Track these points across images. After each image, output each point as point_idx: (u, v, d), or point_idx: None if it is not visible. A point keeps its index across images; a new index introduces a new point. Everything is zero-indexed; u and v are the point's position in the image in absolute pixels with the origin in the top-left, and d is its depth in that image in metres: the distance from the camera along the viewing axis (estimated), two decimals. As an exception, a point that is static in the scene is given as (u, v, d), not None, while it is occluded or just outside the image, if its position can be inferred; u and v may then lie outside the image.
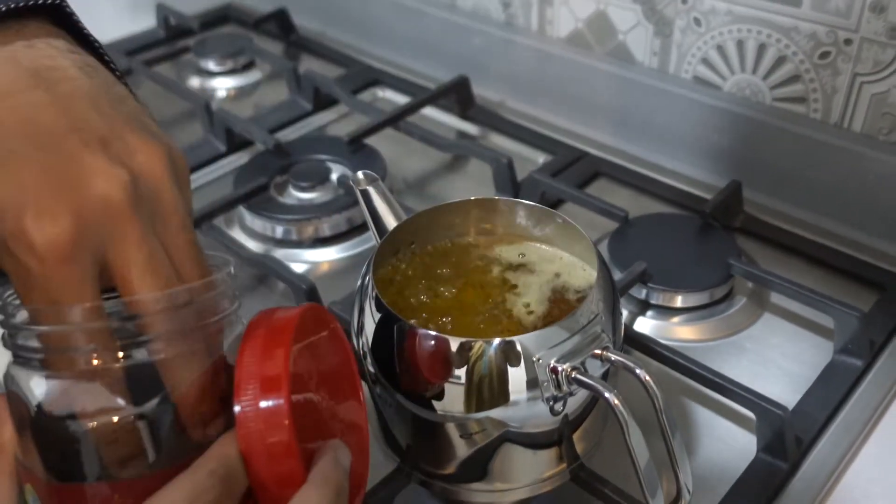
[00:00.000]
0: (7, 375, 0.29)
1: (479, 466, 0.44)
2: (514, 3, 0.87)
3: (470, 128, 0.86)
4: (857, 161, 0.66)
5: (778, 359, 0.58)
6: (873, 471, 0.50)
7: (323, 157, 0.77)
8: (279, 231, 0.71)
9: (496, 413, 0.41)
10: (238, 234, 0.72)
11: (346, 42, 1.03)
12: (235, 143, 0.83)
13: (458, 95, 0.85)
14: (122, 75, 0.35)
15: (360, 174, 0.51)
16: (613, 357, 0.40)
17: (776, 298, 0.62)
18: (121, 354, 0.28)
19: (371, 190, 0.50)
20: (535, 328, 0.44)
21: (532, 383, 0.40)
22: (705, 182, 0.74)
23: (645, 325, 0.61)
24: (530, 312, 0.45)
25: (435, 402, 0.41)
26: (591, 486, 0.46)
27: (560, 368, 0.39)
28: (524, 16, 0.87)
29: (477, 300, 0.46)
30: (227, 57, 0.98)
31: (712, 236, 0.65)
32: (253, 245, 0.70)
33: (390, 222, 0.49)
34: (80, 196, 0.27)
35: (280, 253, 0.69)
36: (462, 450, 0.43)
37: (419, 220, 0.48)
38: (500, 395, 0.40)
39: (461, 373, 0.40)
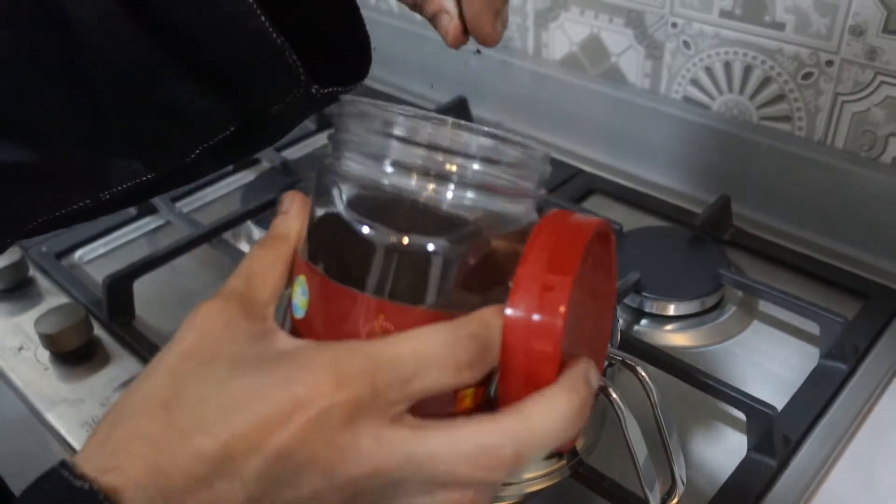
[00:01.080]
0: (324, 169, 0.31)
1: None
2: (510, 26, 0.90)
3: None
4: (840, 176, 0.69)
5: (766, 364, 0.60)
6: (858, 469, 0.53)
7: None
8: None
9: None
10: (246, 249, 0.74)
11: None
12: (243, 161, 0.85)
13: (456, 115, 0.88)
14: None
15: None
16: (613, 355, 0.43)
17: (764, 307, 0.65)
18: (436, 188, 0.29)
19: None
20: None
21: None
22: (696, 197, 0.77)
23: (639, 332, 0.63)
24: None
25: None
26: (590, 481, 0.49)
27: (561, 365, 0.42)
28: (521, 39, 0.90)
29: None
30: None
31: (703, 248, 0.68)
32: (260, 258, 0.73)
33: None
34: None
35: (287, 265, 0.72)
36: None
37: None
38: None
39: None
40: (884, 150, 0.68)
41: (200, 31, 0.37)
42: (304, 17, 0.38)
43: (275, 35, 0.36)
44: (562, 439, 0.28)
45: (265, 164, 0.83)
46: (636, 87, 0.83)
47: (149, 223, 0.79)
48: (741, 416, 0.54)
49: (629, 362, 0.42)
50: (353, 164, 0.30)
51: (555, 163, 0.83)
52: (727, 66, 0.75)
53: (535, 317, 0.28)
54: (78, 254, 0.75)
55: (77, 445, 0.56)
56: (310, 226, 0.32)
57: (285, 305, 0.32)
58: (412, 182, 0.29)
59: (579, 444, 0.48)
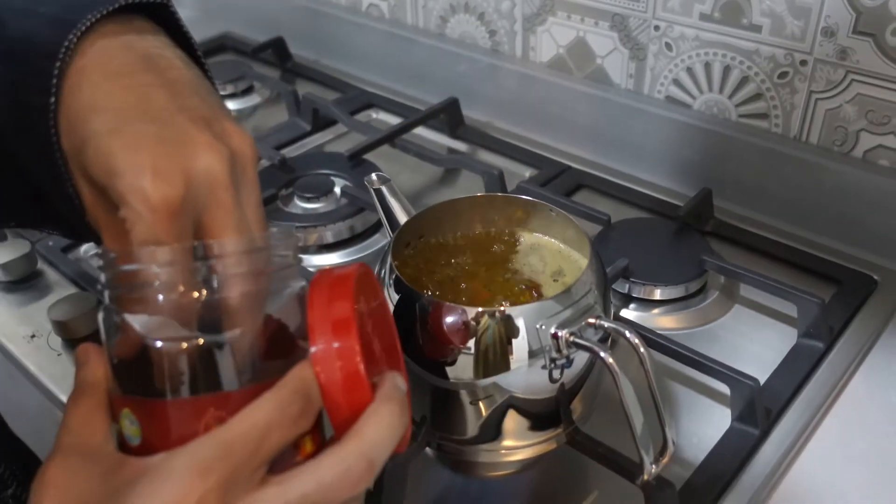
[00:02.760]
0: (106, 312, 0.34)
1: (484, 430, 0.49)
2: (499, 31, 0.94)
3: (460, 145, 0.92)
4: (814, 170, 0.73)
5: (748, 344, 0.64)
6: (835, 438, 0.56)
7: (325, 171, 0.83)
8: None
9: (501, 379, 0.46)
10: (248, 241, 0.77)
11: (339, 69, 1.09)
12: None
13: (448, 116, 0.92)
14: (209, 72, 0.40)
15: (374, 175, 0.56)
16: (606, 324, 0.46)
17: (745, 291, 0.68)
18: (203, 290, 0.32)
19: (384, 189, 0.56)
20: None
21: (533, 352, 0.46)
22: (678, 191, 0.81)
23: (628, 316, 0.66)
24: (531, 290, 0.50)
25: (448, 370, 0.46)
26: (585, 447, 0.52)
27: (560, 334, 0.45)
28: (509, 43, 0.94)
29: (483, 282, 0.51)
30: (226, 82, 1.03)
31: (686, 237, 0.72)
32: (263, 250, 0.75)
33: (401, 218, 0.55)
34: (189, 164, 0.32)
35: (289, 257, 0.74)
36: (470, 415, 0.49)
37: (428, 215, 0.54)
38: (504, 362, 0.46)
39: (471, 342, 0.46)
40: (855, 145, 0.72)
41: None
42: None
43: None
44: (396, 439, 0.33)
45: (264, 162, 0.86)
46: (621, 87, 0.86)
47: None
48: (725, 390, 0.57)
49: (620, 329, 0.45)
50: (129, 294, 0.32)
51: (544, 160, 0.87)
52: (707, 66, 0.79)
53: (335, 345, 0.33)
54: (83, 248, 0.77)
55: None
56: (112, 364, 0.34)
57: (116, 445, 0.34)
58: (180, 297, 0.32)
59: (576, 414, 0.51)
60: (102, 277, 0.33)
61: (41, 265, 0.74)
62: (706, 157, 0.80)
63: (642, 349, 0.44)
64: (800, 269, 0.70)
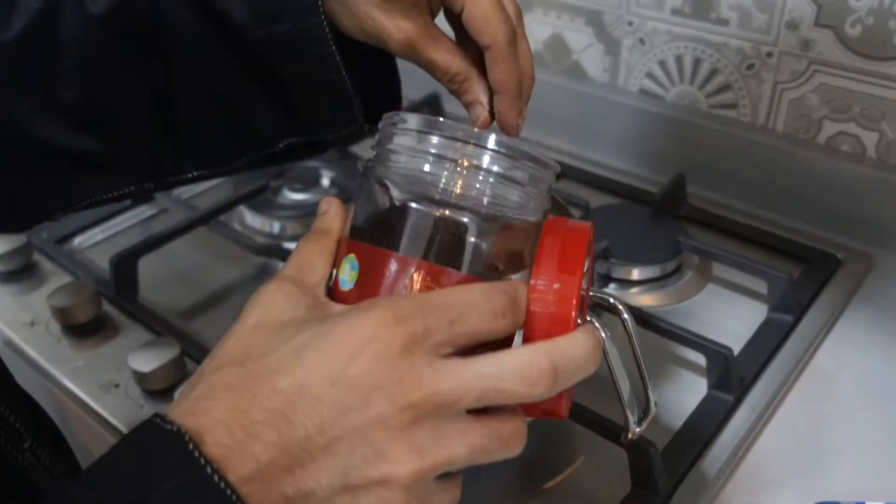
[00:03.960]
0: (369, 167, 0.37)
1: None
2: (478, 28, 0.97)
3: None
4: (781, 156, 0.77)
5: (721, 319, 0.67)
6: (804, 403, 0.60)
7: (313, 163, 0.85)
8: (276, 227, 0.78)
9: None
10: (239, 229, 0.79)
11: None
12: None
13: (429, 110, 0.95)
14: None
15: (367, 160, 0.59)
16: (591, 293, 0.49)
17: (718, 270, 0.72)
18: (468, 177, 0.34)
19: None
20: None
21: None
22: (653, 179, 0.84)
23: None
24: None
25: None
26: (571, 412, 0.54)
27: (548, 302, 0.48)
28: (488, 40, 0.97)
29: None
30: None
31: (662, 221, 0.75)
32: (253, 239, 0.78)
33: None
34: None
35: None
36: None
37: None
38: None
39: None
40: (818, 132, 0.76)
41: (291, 74, 0.45)
42: (360, 70, 0.46)
43: (350, 88, 0.45)
44: (586, 365, 0.34)
45: (253, 156, 0.88)
46: (596, 81, 0.90)
47: (144, 211, 0.83)
48: (701, 361, 0.61)
49: (604, 296, 0.48)
50: (397, 160, 0.35)
51: (524, 151, 0.90)
52: (679, 59, 0.82)
53: (555, 281, 0.34)
54: (77, 240, 0.79)
55: (94, 405, 0.60)
56: (355, 216, 0.37)
57: (329, 286, 0.37)
58: (448, 171, 0.35)
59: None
60: (378, 137, 0.37)
61: (36, 256, 0.76)
62: (679, 145, 0.83)
63: (626, 314, 0.47)
64: (768, 248, 0.74)
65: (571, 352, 0.33)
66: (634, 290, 0.70)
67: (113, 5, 0.43)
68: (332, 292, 0.36)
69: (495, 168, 0.35)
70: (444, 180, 0.35)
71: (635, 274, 0.70)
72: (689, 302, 0.69)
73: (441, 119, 0.35)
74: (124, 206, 0.83)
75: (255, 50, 0.44)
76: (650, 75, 0.85)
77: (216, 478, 0.28)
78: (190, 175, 0.50)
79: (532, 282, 0.34)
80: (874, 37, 0.69)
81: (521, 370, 0.31)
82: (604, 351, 0.47)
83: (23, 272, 0.74)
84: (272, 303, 0.34)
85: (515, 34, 0.44)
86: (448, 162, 0.34)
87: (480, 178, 0.35)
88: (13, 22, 0.43)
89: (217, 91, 0.46)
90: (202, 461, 0.28)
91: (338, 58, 0.44)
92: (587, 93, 0.89)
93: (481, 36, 0.43)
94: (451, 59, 0.45)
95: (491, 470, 0.56)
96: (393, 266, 0.34)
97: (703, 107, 0.83)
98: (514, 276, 0.36)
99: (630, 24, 0.84)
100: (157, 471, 0.29)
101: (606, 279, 0.71)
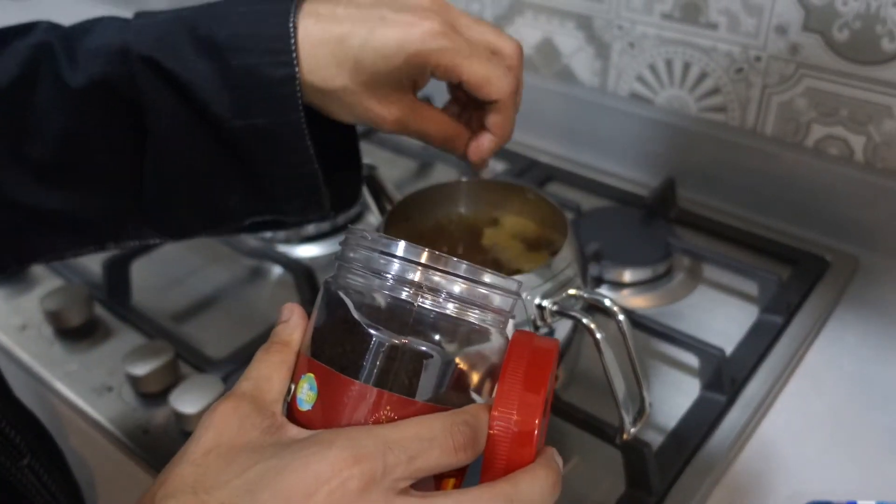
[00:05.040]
0: (329, 284, 0.36)
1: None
2: (469, 32, 0.98)
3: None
4: (770, 160, 0.78)
5: (712, 320, 0.68)
6: (794, 403, 0.60)
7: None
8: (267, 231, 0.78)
9: (486, 349, 0.49)
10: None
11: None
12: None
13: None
14: None
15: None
16: (586, 294, 0.49)
17: (708, 272, 0.73)
18: (428, 301, 0.33)
19: (371, 177, 0.59)
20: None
21: (517, 325, 0.49)
22: (644, 182, 0.85)
23: (600, 297, 0.70)
24: (515, 268, 0.54)
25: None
26: (566, 413, 0.55)
27: (544, 304, 0.48)
28: (478, 43, 0.97)
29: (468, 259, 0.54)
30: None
31: (652, 224, 0.76)
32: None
33: (388, 202, 0.58)
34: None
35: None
36: (459, 386, 0.52)
37: (414, 199, 0.57)
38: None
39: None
40: (806, 135, 0.77)
41: (264, 163, 0.46)
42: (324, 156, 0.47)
43: (321, 180, 0.47)
44: (546, 502, 0.33)
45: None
46: (587, 85, 0.91)
47: (135, 214, 0.83)
48: (694, 362, 0.61)
49: (599, 297, 0.48)
50: (358, 279, 0.35)
51: (514, 155, 0.91)
52: (668, 63, 0.83)
53: (517, 413, 0.33)
54: (68, 243, 0.78)
55: (88, 408, 0.60)
56: (315, 330, 0.36)
57: (286, 402, 0.35)
58: (408, 296, 0.34)
59: (558, 384, 0.54)
60: (342, 251, 0.36)
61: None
62: (669, 148, 0.84)
63: (620, 316, 0.48)
64: (758, 251, 0.75)
65: (530, 492, 0.32)
66: (626, 291, 0.71)
67: (92, 83, 0.44)
68: (290, 410, 0.35)
69: (456, 294, 0.34)
70: (405, 306, 0.34)
71: (626, 276, 0.71)
72: (680, 303, 0.70)
73: (403, 242, 0.34)
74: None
75: (230, 137, 0.45)
76: (640, 79, 0.86)
77: None
78: (151, 242, 0.52)
79: (494, 412, 0.33)
80: (861, 41, 0.70)
81: None
82: (599, 352, 0.47)
83: (14, 276, 0.73)
84: (227, 424, 0.33)
85: (518, 83, 0.46)
86: (409, 287, 0.34)
87: (441, 304, 0.34)
88: None
89: (188, 169, 0.47)
90: None
91: (311, 152, 0.45)
92: (577, 97, 0.89)
93: (488, 96, 0.45)
94: (439, 128, 0.48)
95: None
96: (352, 393, 0.33)
97: (692, 110, 0.84)
98: (479, 398, 0.35)
99: (620, 28, 0.85)
100: None
101: (598, 281, 0.71)
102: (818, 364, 0.64)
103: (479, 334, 0.35)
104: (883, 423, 0.58)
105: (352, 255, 0.35)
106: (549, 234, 0.57)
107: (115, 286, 0.69)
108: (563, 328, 0.51)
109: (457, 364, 0.34)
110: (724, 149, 0.80)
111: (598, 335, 0.47)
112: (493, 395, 0.34)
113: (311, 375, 0.34)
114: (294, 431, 0.33)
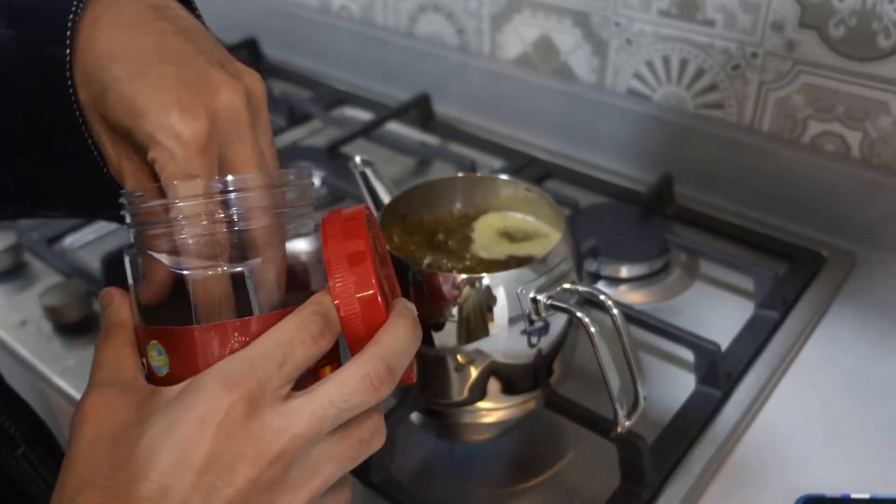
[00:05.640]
0: (131, 250, 0.35)
1: (468, 394, 0.52)
2: (467, 29, 0.98)
3: (431, 139, 0.95)
4: (767, 156, 0.78)
5: (708, 316, 0.68)
6: (790, 398, 0.61)
7: (304, 163, 0.86)
8: (268, 227, 0.79)
9: (482, 345, 0.50)
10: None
11: (312, 69, 1.12)
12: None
13: (419, 111, 0.95)
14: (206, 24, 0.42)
15: (357, 158, 0.59)
16: (581, 288, 0.49)
17: (705, 268, 0.73)
18: (225, 224, 0.34)
19: (368, 172, 0.59)
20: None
21: (512, 319, 0.49)
22: (641, 179, 0.85)
23: (597, 293, 0.70)
24: (511, 262, 0.54)
25: (434, 337, 0.50)
26: (562, 407, 0.55)
27: (539, 298, 0.48)
28: (476, 41, 0.98)
29: (462, 254, 0.55)
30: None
31: (649, 220, 0.76)
32: (245, 239, 0.78)
33: (385, 198, 0.58)
34: (212, 101, 0.34)
35: (271, 245, 0.77)
36: (455, 380, 0.52)
37: (411, 195, 0.57)
38: (485, 328, 0.49)
39: (454, 310, 0.49)
40: (803, 132, 0.78)
41: None
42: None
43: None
44: (412, 348, 0.35)
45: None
46: (584, 82, 0.91)
47: (134, 211, 0.83)
48: (690, 357, 0.61)
49: (593, 291, 0.49)
50: (155, 233, 0.34)
51: (512, 152, 0.91)
52: (665, 60, 0.83)
53: (352, 277, 0.34)
54: (68, 240, 0.79)
55: (88, 404, 0.60)
56: (138, 303, 0.36)
57: (146, 377, 0.35)
58: (201, 230, 0.34)
59: (553, 378, 0.55)
60: (128, 218, 0.35)
61: (27, 257, 0.76)
62: (666, 145, 0.84)
63: (615, 310, 0.48)
64: (755, 247, 0.75)
65: (396, 344, 0.34)
66: (623, 287, 0.71)
67: None
68: (153, 381, 0.35)
69: (243, 206, 0.34)
70: (203, 237, 0.34)
71: (624, 272, 0.71)
72: (677, 299, 0.70)
73: (175, 183, 0.34)
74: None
75: None
76: (637, 76, 0.86)
77: None
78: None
79: (331, 282, 0.35)
80: (858, 37, 0.70)
81: (361, 384, 0.33)
82: (593, 346, 0.48)
83: (14, 272, 0.74)
84: (100, 415, 0.33)
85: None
86: (197, 221, 0.34)
87: (235, 222, 0.34)
88: None
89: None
90: None
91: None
92: (575, 94, 0.89)
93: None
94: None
95: (482, 468, 0.57)
96: (197, 339, 0.34)
97: (689, 107, 0.84)
98: (316, 286, 0.36)
99: (617, 25, 0.85)
100: None
101: (595, 277, 0.71)
102: (814, 359, 0.64)
103: (288, 230, 0.36)
104: (878, 418, 0.58)
105: (135, 215, 0.35)
106: (544, 230, 0.57)
107: (114, 282, 0.69)
108: (558, 323, 0.51)
109: (280, 266, 0.35)
110: (721, 145, 0.81)
111: (592, 329, 0.47)
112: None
113: (154, 342, 0.35)
114: (166, 393, 0.33)
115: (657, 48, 0.83)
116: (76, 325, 0.67)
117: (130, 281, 0.36)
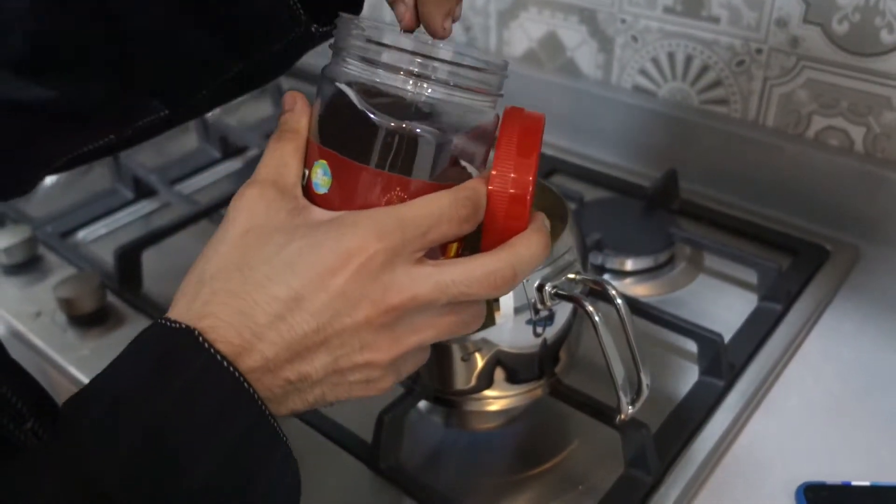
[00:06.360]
0: (328, 71, 0.38)
1: (475, 382, 0.53)
2: (474, 26, 0.99)
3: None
4: (771, 151, 0.79)
5: (712, 308, 0.69)
6: (792, 389, 0.61)
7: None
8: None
9: (489, 334, 0.51)
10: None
11: (316, 64, 1.13)
12: (230, 150, 0.92)
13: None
14: None
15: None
16: (585, 278, 0.50)
17: (709, 262, 0.74)
18: (424, 86, 0.36)
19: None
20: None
21: (518, 309, 0.50)
22: (647, 173, 0.86)
23: (602, 286, 0.71)
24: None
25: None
26: (566, 396, 0.56)
27: (544, 287, 0.49)
28: (483, 38, 0.99)
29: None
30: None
31: (655, 214, 0.77)
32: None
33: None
34: None
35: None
36: (462, 370, 0.53)
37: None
38: (491, 317, 0.50)
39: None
40: (807, 127, 0.78)
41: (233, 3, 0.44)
42: None
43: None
44: (539, 263, 0.38)
45: (254, 151, 0.90)
46: (590, 78, 0.92)
47: (146, 206, 0.85)
48: (693, 348, 0.62)
49: (598, 280, 0.49)
50: (353, 69, 0.37)
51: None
52: (671, 56, 0.84)
53: (512, 175, 0.37)
54: (81, 233, 0.80)
55: (101, 393, 0.61)
56: (321, 118, 0.38)
57: (303, 185, 0.38)
58: (404, 82, 0.36)
59: (558, 367, 0.55)
60: (334, 40, 0.38)
61: (41, 250, 0.77)
62: (671, 141, 0.85)
63: (618, 299, 0.49)
64: (758, 240, 0.76)
65: (528, 254, 0.37)
66: (628, 280, 0.72)
67: None
68: (307, 193, 0.38)
69: (449, 76, 0.36)
70: (400, 91, 0.36)
71: (629, 265, 0.72)
72: (682, 292, 0.71)
73: (396, 28, 0.37)
74: (127, 199, 0.84)
75: None
76: (643, 72, 0.87)
77: (230, 367, 0.32)
78: (161, 114, 0.49)
79: (493, 171, 0.37)
80: (861, 33, 0.71)
81: (486, 278, 0.36)
82: (597, 335, 0.48)
83: (28, 265, 0.75)
84: (256, 210, 0.36)
85: None
86: (403, 73, 0.36)
87: (436, 86, 0.36)
88: None
89: (157, 23, 0.46)
90: (217, 355, 0.32)
91: None
92: (581, 90, 0.90)
93: None
94: None
95: (488, 456, 0.58)
96: (364, 178, 0.36)
97: (694, 103, 0.85)
98: (475, 171, 0.38)
99: (623, 21, 0.86)
100: (174, 365, 0.32)
101: (601, 270, 0.72)
102: (816, 351, 0.64)
103: (473, 112, 0.38)
104: (879, 408, 0.59)
105: (345, 44, 0.37)
106: (549, 221, 0.58)
107: (127, 275, 0.71)
108: (563, 313, 0.52)
109: (454, 143, 0.37)
110: (725, 140, 0.81)
111: (596, 317, 0.48)
112: (490, 164, 0.37)
113: (324, 162, 0.37)
114: (317, 213, 0.36)
115: (662, 44, 0.84)
116: (90, 317, 0.68)
117: (318, 95, 0.38)
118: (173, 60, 0.48)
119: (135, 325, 0.68)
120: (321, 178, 0.37)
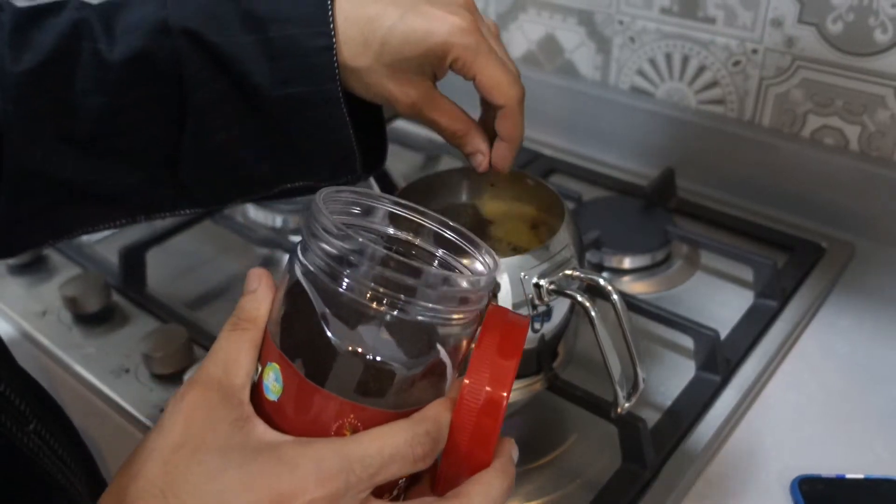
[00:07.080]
0: (297, 265, 0.33)
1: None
2: (473, 28, 1.00)
3: (438, 136, 0.97)
4: (767, 150, 0.80)
5: (709, 305, 0.70)
6: (788, 384, 0.62)
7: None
8: (278, 221, 0.81)
9: (489, 330, 0.51)
10: (240, 220, 0.81)
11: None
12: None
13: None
14: None
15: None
16: (582, 274, 0.51)
17: (706, 259, 0.74)
18: (395, 310, 0.32)
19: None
20: (517, 261, 0.54)
21: (516, 305, 0.51)
22: (644, 173, 0.87)
23: (600, 283, 0.72)
24: (514, 249, 0.56)
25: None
26: (564, 391, 0.57)
27: (542, 283, 0.50)
28: (483, 40, 1.00)
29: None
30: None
31: (652, 213, 0.78)
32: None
33: (394, 190, 0.60)
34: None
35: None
36: (461, 365, 0.54)
37: (418, 186, 0.59)
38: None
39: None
40: (803, 126, 0.79)
41: (300, 130, 0.48)
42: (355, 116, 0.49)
43: (355, 145, 0.48)
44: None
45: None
46: (588, 79, 0.92)
47: (150, 206, 0.85)
48: (689, 344, 0.63)
49: (594, 277, 0.50)
50: (322, 265, 0.32)
51: (518, 147, 0.92)
52: (668, 57, 0.85)
53: (488, 389, 0.33)
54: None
55: (106, 389, 0.62)
56: (282, 316, 0.34)
57: (254, 381, 0.35)
58: (373, 298, 0.32)
59: (555, 362, 0.56)
60: (307, 223, 0.34)
61: (46, 250, 0.78)
62: (668, 140, 0.86)
63: (615, 295, 0.50)
64: (754, 238, 0.77)
65: (484, 500, 0.34)
66: (626, 278, 0.73)
67: (131, 57, 0.45)
68: (256, 391, 0.35)
69: (425, 300, 0.32)
70: (370, 311, 0.32)
71: (626, 263, 0.73)
72: (679, 289, 0.72)
73: (362, 241, 0.32)
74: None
75: (268, 107, 0.46)
76: (640, 73, 0.88)
77: None
78: (184, 212, 0.53)
79: (454, 418, 0.34)
80: (855, 33, 0.72)
81: None
82: (593, 328, 0.49)
83: (34, 264, 0.76)
84: (194, 418, 0.33)
85: (523, 93, 0.48)
86: (373, 291, 0.32)
87: (410, 310, 0.32)
88: (23, 58, 0.45)
89: (225, 139, 0.48)
90: None
91: (347, 119, 0.46)
92: (579, 90, 0.91)
93: (495, 100, 0.47)
94: (450, 121, 0.50)
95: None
96: (317, 399, 0.33)
97: (691, 103, 0.86)
98: (449, 361, 0.35)
99: (620, 23, 0.87)
100: None
101: (599, 268, 0.73)
102: (811, 347, 0.65)
103: (452, 328, 0.34)
104: (873, 403, 0.60)
105: (315, 236, 0.33)
106: (547, 219, 0.58)
107: (131, 274, 0.72)
108: (560, 309, 0.53)
109: (424, 372, 0.34)
110: (722, 140, 0.82)
111: (592, 312, 0.49)
112: (462, 373, 0.34)
113: (278, 367, 0.34)
114: (260, 430, 0.33)
115: (659, 45, 0.85)
116: (94, 315, 0.69)
117: (283, 288, 0.35)
118: (227, 173, 0.50)
119: (138, 324, 0.69)
120: (272, 382, 0.34)
